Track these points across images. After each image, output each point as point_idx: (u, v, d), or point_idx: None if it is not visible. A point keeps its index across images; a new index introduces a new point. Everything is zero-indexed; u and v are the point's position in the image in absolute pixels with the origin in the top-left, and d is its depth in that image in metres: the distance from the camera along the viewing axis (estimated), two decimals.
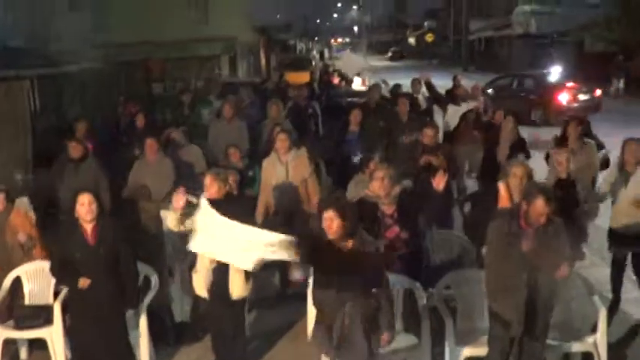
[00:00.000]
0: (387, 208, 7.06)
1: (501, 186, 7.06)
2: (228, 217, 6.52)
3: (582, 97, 24.89)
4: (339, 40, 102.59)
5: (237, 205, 6.90)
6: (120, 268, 6.48)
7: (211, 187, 6.79)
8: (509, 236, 5.80)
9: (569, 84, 25.97)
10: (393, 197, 7.07)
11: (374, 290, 5.64)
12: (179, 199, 6.67)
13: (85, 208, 6.39)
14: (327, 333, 5.74)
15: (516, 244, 5.75)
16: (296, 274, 7.54)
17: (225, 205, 6.65)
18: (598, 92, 25.50)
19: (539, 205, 5.65)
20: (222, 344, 7.11)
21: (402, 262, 6.96)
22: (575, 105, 24.17)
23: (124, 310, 6.65)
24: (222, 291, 6.83)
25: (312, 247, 5.75)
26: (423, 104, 14.19)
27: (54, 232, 7.12)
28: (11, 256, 7.62)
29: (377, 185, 7.05)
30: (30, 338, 7.48)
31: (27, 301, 7.59)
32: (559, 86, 25.61)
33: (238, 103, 13.84)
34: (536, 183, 6.72)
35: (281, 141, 9.24)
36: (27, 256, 7.69)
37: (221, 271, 6.79)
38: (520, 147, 10.57)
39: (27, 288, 7.59)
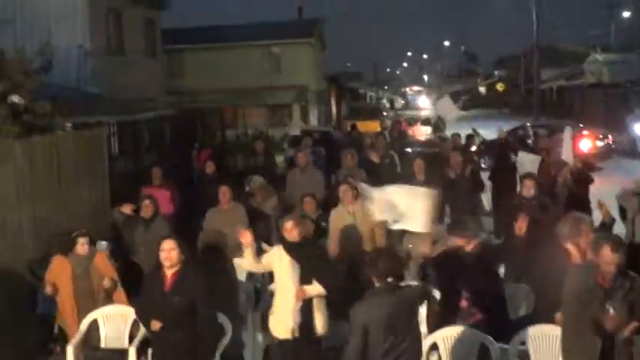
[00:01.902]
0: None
1: (570, 247, 6.92)
2: (303, 260, 6.94)
3: (599, 143, 26.05)
4: (415, 88, 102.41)
5: (312, 249, 7.25)
6: (196, 317, 6.53)
7: (292, 230, 7.11)
8: (584, 292, 5.68)
9: (586, 132, 26.81)
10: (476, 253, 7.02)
11: None
12: (244, 235, 7.06)
13: (164, 253, 6.52)
14: None
15: (592, 300, 5.62)
16: None
17: (302, 249, 7.03)
18: (610, 139, 27.04)
19: (606, 253, 5.51)
20: None
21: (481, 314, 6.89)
22: (594, 151, 25.14)
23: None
24: (308, 329, 7.01)
25: None
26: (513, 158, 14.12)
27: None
28: (96, 299, 7.79)
29: (461, 241, 7.04)
30: None
31: (103, 344, 7.71)
32: (577, 135, 25.71)
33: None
34: (605, 234, 6.54)
35: (344, 192, 9.42)
36: (109, 300, 7.86)
37: (306, 309, 7.00)
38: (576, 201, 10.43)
39: (103, 331, 7.71)
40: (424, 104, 79.27)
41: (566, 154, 12.47)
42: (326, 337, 8.42)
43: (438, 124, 35.96)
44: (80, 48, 21.12)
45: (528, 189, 9.55)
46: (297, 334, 7.00)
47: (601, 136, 26.89)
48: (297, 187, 11.73)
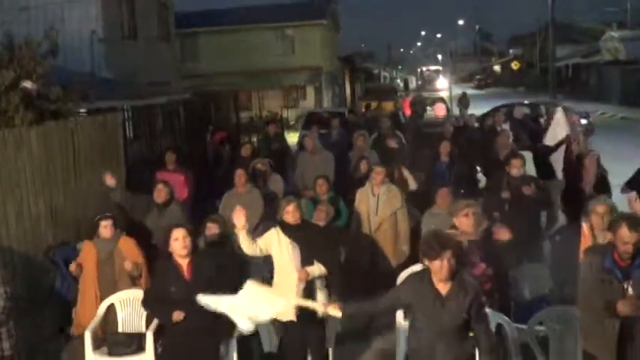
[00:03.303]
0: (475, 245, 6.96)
1: (584, 226, 6.90)
2: (303, 242, 6.90)
3: (583, 121, 25.53)
4: (432, 68, 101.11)
5: (312, 231, 7.24)
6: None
7: (294, 213, 7.02)
8: (602, 272, 5.63)
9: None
10: (480, 233, 7.01)
11: (471, 334, 5.38)
12: (238, 215, 6.76)
13: (179, 242, 6.52)
14: None
15: (610, 280, 5.58)
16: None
17: (299, 232, 6.97)
18: (592, 117, 28.31)
19: (623, 232, 5.46)
20: None
21: (490, 297, 6.87)
22: (578, 129, 24.87)
23: (217, 342, 6.72)
24: (309, 311, 6.83)
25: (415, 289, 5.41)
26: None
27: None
28: (117, 284, 7.73)
29: (465, 222, 6.98)
30: None
31: (120, 329, 7.73)
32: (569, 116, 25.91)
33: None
34: (622, 213, 6.47)
35: (376, 173, 9.47)
36: (134, 285, 7.78)
37: (309, 290, 6.95)
38: (601, 184, 10.33)
39: (120, 315, 7.73)
40: (442, 85, 78.21)
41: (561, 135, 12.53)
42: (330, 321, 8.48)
43: (462, 100, 35.99)
44: (93, 34, 21.15)
45: (517, 169, 9.61)
46: (300, 316, 6.80)
47: (585, 114, 27.46)
48: (308, 169, 11.84)
